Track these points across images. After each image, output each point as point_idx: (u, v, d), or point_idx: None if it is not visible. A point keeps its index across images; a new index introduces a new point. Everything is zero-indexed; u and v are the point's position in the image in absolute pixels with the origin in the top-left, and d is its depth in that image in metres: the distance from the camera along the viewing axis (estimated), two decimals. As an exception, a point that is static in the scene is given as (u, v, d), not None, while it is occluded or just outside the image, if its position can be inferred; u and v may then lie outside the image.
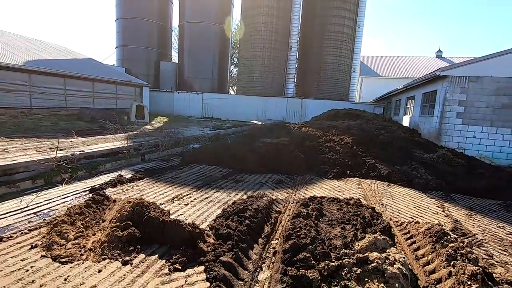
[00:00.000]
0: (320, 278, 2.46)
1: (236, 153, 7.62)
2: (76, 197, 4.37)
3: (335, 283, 2.44)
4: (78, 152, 5.40)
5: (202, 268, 2.70)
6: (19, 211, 3.71)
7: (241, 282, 2.56)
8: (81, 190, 4.66)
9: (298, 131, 10.12)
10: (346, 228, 3.22)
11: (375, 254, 2.53)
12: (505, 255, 3.44)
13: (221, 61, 30.83)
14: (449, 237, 3.20)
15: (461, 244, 3.02)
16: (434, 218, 4.41)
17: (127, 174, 5.71)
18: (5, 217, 3.52)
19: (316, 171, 7.01)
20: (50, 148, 5.56)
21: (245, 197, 4.71)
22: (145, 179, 5.59)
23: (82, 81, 16.79)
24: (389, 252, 2.63)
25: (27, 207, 3.85)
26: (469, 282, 2.44)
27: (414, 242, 3.42)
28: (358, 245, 2.79)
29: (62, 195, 4.40)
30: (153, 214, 3.25)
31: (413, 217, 4.37)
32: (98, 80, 17.80)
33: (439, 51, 40.70)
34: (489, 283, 2.48)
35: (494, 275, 2.79)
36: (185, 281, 2.53)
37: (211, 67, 29.75)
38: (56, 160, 4.79)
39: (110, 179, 5.20)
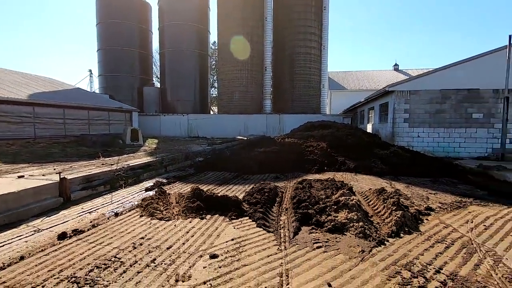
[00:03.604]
0: (315, 213, 4.52)
1: (238, 161, 9.61)
2: (138, 194, 6.13)
3: (324, 214, 4.51)
4: (126, 165, 7.13)
5: (247, 217, 4.65)
6: (109, 204, 5.45)
7: (271, 220, 4.56)
8: (139, 190, 6.43)
9: (283, 141, 12.32)
10: (326, 191, 5.34)
11: (343, 197, 4.66)
12: (421, 202, 5.70)
13: (202, 83, 32.99)
14: (386, 191, 5.42)
15: (391, 193, 5.24)
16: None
17: (162, 180, 7.50)
18: (104, 206, 5.27)
19: (301, 169, 9.16)
20: (102, 164, 7.24)
21: (256, 185, 6.70)
22: (177, 182, 7.42)
23: (79, 110, 18.12)
24: (351, 198, 4.76)
25: (111, 202, 5.59)
26: (392, 207, 4.61)
27: (368, 198, 5.60)
28: (334, 196, 4.90)
29: (129, 193, 6.16)
30: (208, 193, 5.18)
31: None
32: (93, 108, 19.17)
33: (396, 64, 45.81)
34: (403, 207, 4.68)
35: (410, 209, 5.00)
36: (240, 221, 4.49)
37: (193, 90, 31.78)
38: (116, 171, 6.53)
39: (153, 183, 6.98)
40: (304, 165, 9.41)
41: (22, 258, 3.22)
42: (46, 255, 3.31)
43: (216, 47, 36.56)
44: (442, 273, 2.99)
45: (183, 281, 2.77)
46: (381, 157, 10.00)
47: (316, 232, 4.05)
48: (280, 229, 4.20)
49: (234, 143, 16.93)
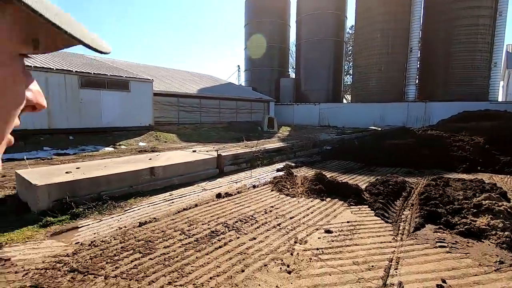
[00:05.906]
0: (446, 213, 4.14)
1: (366, 152, 9.37)
2: (271, 173, 7.25)
3: (457, 216, 4.06)
4: (263, 148, 8.50)
5: (366, 206, 4.78)
6: (249, 178, 6.78)
7: (392, 212, 4.51)
8: (271, 170, 7.58)
9: (423, 133, 10.87)
10: (467, 192, 4.66)
11: (487, 201, 4.01)
12: None
13: (335, 71, 32.46)
14: None
15: None
16: None
17: (291, 163, 8.43)
18: (245, 179, 6.61)
19: (444, 166, 7.96)
20: (246, 146, 8.92)
21: (382, 177, 6.51)
22: (303, 167, 8.16)
23: (230, 101, 21.94)
24: (499, 203, 4.02)
25: (251, 176, 6.91)
26: None
27: (532, 209, 4.47)
28: (476, 199, 4.27)
29: (264, 172, 7.39)
30: (329, 178, 5.59)
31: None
32: (239, 99, 22.73)
33: None
34: None
35: None
36: (359, 208, 4.68)
37: (326, 79, 31.79)
38: (255, 152, 7.94)
39: (283, 165, 7.98)
40: (448, 162, 8.12)
41: (196, 205, 4.73)
42: (209, 206, 4.72)
43: (353, 32, 34.78)
44: None
45: (300, 244, 3.39)
46: None
47: (443, 233, 3.76)
48: (400, 222, 4.14)
49: (366, 133, 16.16)
